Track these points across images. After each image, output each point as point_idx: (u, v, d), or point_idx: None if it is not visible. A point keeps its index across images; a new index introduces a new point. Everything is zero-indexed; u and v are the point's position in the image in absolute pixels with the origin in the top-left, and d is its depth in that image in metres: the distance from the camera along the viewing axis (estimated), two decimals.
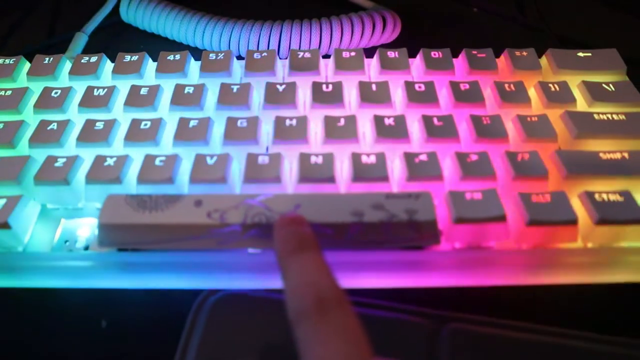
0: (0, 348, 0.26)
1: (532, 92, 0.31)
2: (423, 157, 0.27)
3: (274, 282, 0.25)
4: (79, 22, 0.40)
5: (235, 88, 0.30)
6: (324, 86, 0.30)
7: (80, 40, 0.39)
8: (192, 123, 0.29)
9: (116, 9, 0.41)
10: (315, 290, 0.18)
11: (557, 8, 0.45)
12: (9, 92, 0.31)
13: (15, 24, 0.43)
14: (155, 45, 0.40)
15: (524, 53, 0.33)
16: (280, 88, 0.30)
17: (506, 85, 0.31)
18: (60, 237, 0.27)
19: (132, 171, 0.27)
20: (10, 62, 0.33)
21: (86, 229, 0.28)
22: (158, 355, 0.25)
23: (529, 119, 0.29)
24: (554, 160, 0.27)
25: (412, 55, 0.33)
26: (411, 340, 0.19)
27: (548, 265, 0.25)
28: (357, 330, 0.17)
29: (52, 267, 0.26)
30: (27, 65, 0.33)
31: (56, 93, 0.31)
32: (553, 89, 0.31)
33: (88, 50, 0.39)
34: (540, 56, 0.33)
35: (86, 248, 0.27)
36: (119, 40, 0.42)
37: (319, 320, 0.17)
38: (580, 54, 0.33)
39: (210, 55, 0.32)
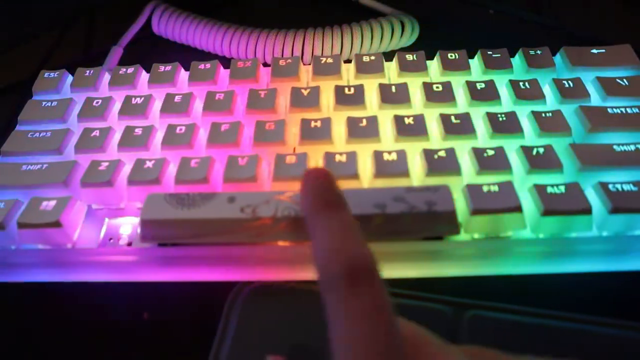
0: (50, 339, 0.29)
1: (547, 89, 0.32)
2: (442, 153, 0.29)
3: (305, 274, 0.27)
4: (114, 36, 0.43)
5: (262, 93, 0.32)
6: (346, 89, 0.32)
7: (116, 53, 0.41)
8: (223, 127, 0.31)
9: (148, 22, 0.44)
10: (346, 258, 0.18)
11: (572, 6, 0.46)
12: (54, 103, 0.34)
13: (55, 42, 0.45)
14: (186, 55, 0.43)
15: (539, 51, 0.34)
16: (305, 92, 0.32)
17: (521, 83, 0.32)
18: (105, 235, 0.30)
19: (170, 172, 0.30)
20: (55, 75, 0.36)
21: (128, 227, 0.30)
22: (197, 344, 0.27)
23: (543, 114, 0.30)
24: (568, 153, 0.29)
25: (430, 57, 0.35)
26: (432, 327, 0.20)
27: (564, 253, 0.26)
28: (385, 311, 0.17)
29: (99, 263, 0.28)
30: (70, 78, 0.36)
31: (97, 103, 0.33)
32: (567, 85, 0.32)
33: (123, 62, 0.42)
34: (554, 54, 0.34)
35: (129, 244, 0.29)
36: (152, 51, 0.44)
37: (348, 292, 0.17)
38: (594, 51, 0.34)
39: (239, 63, 0.34)
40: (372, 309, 0.17)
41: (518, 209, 0.26)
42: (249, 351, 0.26)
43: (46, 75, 0.36)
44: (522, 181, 0.28)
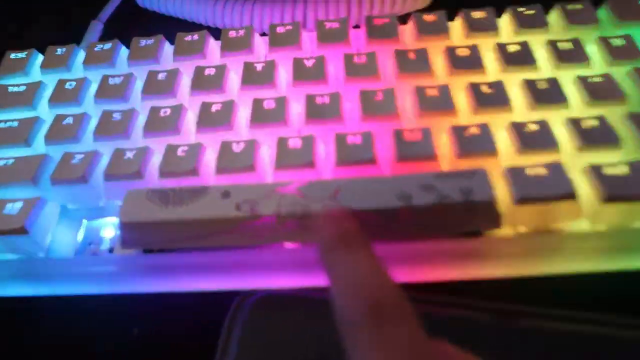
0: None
1: (592, 49, 0.28)
2: (474, 130, 0.24)
3: (317, 280, 0.23)
4: (93, 12, 0.38)
5: (259, 67, 0.28)
6: (355, 57, 0.27)
7: (96, 28, 0.37)
8: (214, 107, 0.26)
9: None
10: (370, 295, 0.16)
11: None
12: (22, 88, 0.29)
13: (31, 18, 0.41)
14: (174, 29, 0.38)
15: (578, 6, 0.29)
16: (308, 63, 0.28)
17: (560, 44, 0.27)
18: (84, 239, 0.26)
19: (154, 164, 0.25)
20: (23, 55, 0.31)
21: (110, 229, 0.26)
22: None
23: (590, 79, 0.26)
24: (627, 125, 0.24)
25: (451, 17, 0.30)
26: (474, 344, 0.16)
27: (630, 248, 0.21)
28: (421, 348, 0.14)
29: (76, 274, 0.24)
30: (40, 57, 0.32)
31: (70, 85, 0.29)
32: (616, 44, 0.27)
33: (104, 38, 0.37)
34: (597, 7, 0.29)
35: (111, 250, 0.25)
36: (136, 25, 0.39)
37: (374, 332, 0.14)
38: None
39: (231, 32, 0.30)
40: (406, 348, 0.14)
41: (571, 195, 0.21)
42: None
43: (12, 55, 0.31)
44: (573, 161, 0.23)
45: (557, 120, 0.25)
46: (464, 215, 0.21)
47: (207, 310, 0.24)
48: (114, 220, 0.26)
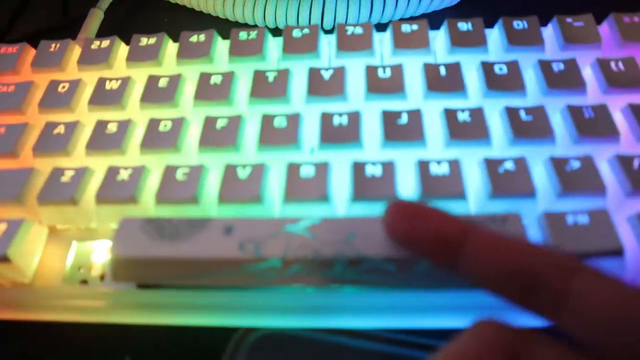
0: None
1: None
2: (509, 165, 0.21)
3: (320, 321, 0.21)
4: None
5: (271, 76, 0.25)
6: (380, 71, 0.25)
7: (95, 17, 0.34)
8: (220, 123, 0.24)
9: None
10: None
11: None
12: (12, 88, 0.27)
13: (21, 3, 0.38)
14: (177, 17, 0.35)
15: (636, 19, 0.26)
16: (326, 75, 0.25)
17: (613, 63, 0.24)
18: (73, 263, 0.23)
19: (150, 186, 0.23)
20: (14, 51, 0.28)
21: (102, 252, 0.24)
22: None
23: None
24: None
25: (488, 24, 0.27)
26: None
27: None
28: None
29: (64, 305, 0.22)
30: (33, 52, 0.29)
31: (64, 87, 0.26)
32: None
33: (104, 28, 0.34)
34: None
35: (102, 277, 0.23)
36: (138, 13, 0.36)
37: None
38: None
39: (241, 34, 0.27)
40: None
41: (619, 251, 0.19)
42: None
43: (3, 50, 0.29)
44: (619, 207, 0.21)
45: (603, 156, 0.22)
46: None
47: (205, 346, 0.22)
48: (106, 243, 0.24)
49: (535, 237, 0.20)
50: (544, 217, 0.20)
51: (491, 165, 0.21)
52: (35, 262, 0.23)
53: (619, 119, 0.23)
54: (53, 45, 0.28)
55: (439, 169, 0.21)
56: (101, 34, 0.34)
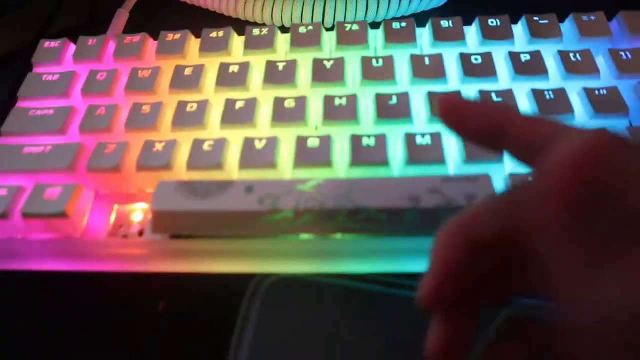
0: (59, 331, 0.27)
1: (601, 61, 0.29)
2: None
3: (326, 267, 0.25)
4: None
5: (281, 66, 0.29)
6: (374, 61, 0.29)
7: (122, 16, 0.38)
8: (238, 105, 0.28)
9: None
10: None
11: None
12: (56, 77, 0.31)
13: (56, 4, 0.42)
14: (196, 17, 0.39)
15: (592, 17, 0.30)
16: (328, 64, 0.29)
17: (572, 55, 0.29)
18: (115, 223, 0.28)
19: (182, 156, 0.27)
20: (56, 45, 0.33)
21: (139, 214, 0.28)
22: (215, 338, 0.25)
23: (597, 92, 0.27)
24: None
25: (467, 22, 0.31)
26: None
27: None
28: None
29: (109, 255, 0.26)
30: (73, 47, 0.33)
31: (102, 76, 0.31)
32: (625, 57, 0.28)
33: (130, 26, 0.38)
34: (610, 19, 0.31)
35: (140, 233, 0.27)
36: (160, 14, 0.41)
37: None
38: None
39: (254, 30, 0.31)
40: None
41: None
42: (271, 345, 0.24)
43: (47, 44, 0.33)
44: None
45: None
46: None
47: (228, 290, 0.26)
48: (143, 206, 0.28)
49: None
50: (509, 177, 0.24)
51: None
52: (85, 219, 0.27)
53: (574, 99, 0.27)
54: (91, 40, 0.32)
55: (423, 140, 0.26)
56: (126, 31, 0.38)
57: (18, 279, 0.28)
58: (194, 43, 0.32)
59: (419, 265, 0.25)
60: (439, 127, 0.27)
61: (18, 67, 0.35)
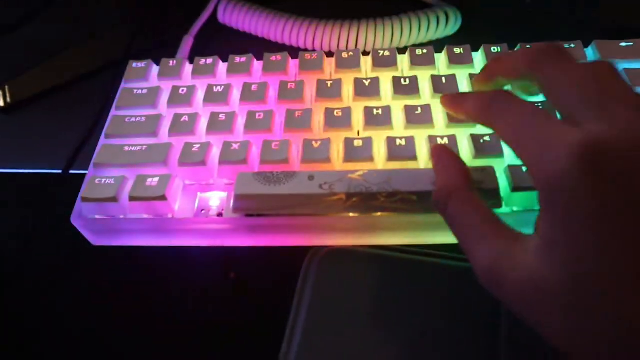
0: (150, 294, 0.35)
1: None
2: (487, 138, 0.33)
3: (372, 240, 0.33)
4: (180, 26, 0.47)
5: (329, 83, 0.37)
6: (402, 80, 0.37)
7: (187, 42, 0.46)
8: (297, 114, 0.36)
9: (214, 12, 0.48)
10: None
11: None
12: (145, 91, 0.39)
13: (134, 32, 0.50)
14: (249, 43, 0.47)
15: (572, 45, 0.38)
16: (366, 82, 0.37)
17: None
18: (198, 207, 0.35)
19: (254, 153, 0.35)
20: (142, 65, 0.41)
21: (217, 200, 0.35)
22: (278, 300, 0.33)
23: None
24: None
25: (474, 48, 0.39)
26: None
27: None
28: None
29: (196, 230, 0.34)
30: (155, 67, 0.41)
31: (183, 91, 0.38)
32: None
33: (193, 50, 0.46)
34: (586, 47, 0.38)
35: (219, 215, 0.34)
36: (218, 40, 0.49)
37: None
38: (623, 44, 0.38)
39: (306, 55, 0.39)
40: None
41: None
42: (327, 305, 0.32)
43: (134, 65, 0.41)
44: None
45: None
46: None
47: (291, 260, 0.34)
48: (220, 194, 0.35)
49: (503, 183, 0.32)
50: (508, 168, 0.32)
51: (476, 138, 0.33)
52: (177, 203, 0.34)
53: None
54: (171, 61, 0.40)
55: (442, 142, 0.33)
56: (192, 55, 0.46)
57: (117, 251, 0.35)
58: (256, 64, 0.40)
59: (443, 237, 0.32)
60: (454, 131, 0.34)
61: (109, 79, 0.43)
